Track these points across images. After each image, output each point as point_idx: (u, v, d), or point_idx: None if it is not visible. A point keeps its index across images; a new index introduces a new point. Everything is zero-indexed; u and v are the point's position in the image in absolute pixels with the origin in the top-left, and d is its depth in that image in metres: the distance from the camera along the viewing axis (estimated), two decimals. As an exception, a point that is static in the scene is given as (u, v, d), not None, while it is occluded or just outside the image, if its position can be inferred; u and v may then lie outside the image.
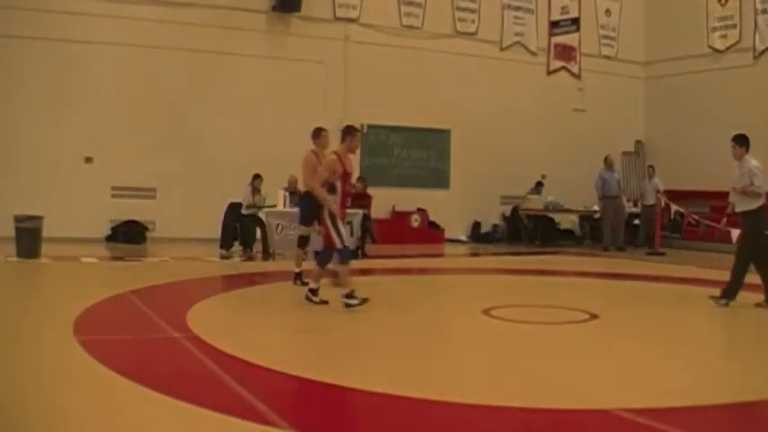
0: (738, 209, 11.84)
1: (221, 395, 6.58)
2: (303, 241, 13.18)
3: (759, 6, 23.76)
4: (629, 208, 24.66)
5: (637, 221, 24.65)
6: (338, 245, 10.70)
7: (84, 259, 16.52)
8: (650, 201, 23.05)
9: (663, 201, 21.59)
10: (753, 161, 11.81)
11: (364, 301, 10.49)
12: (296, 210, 18.00)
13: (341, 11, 22.74)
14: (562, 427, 6.23)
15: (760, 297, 11.69)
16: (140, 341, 8.76)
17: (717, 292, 11.88)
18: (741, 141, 11.99)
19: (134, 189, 20.32)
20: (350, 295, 10.53)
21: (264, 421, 5.84)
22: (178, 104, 20.74)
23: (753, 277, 11.55)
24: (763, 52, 23.81)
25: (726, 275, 11.99)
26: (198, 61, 20.81)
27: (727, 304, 11.63)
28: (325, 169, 11.03)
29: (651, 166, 24.02)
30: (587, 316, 10.93)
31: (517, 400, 6.66)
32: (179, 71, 20.72)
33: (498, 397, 6.78)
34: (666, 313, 11.82)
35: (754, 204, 11.68)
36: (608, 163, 22.85)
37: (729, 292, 11.70)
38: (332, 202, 10.86)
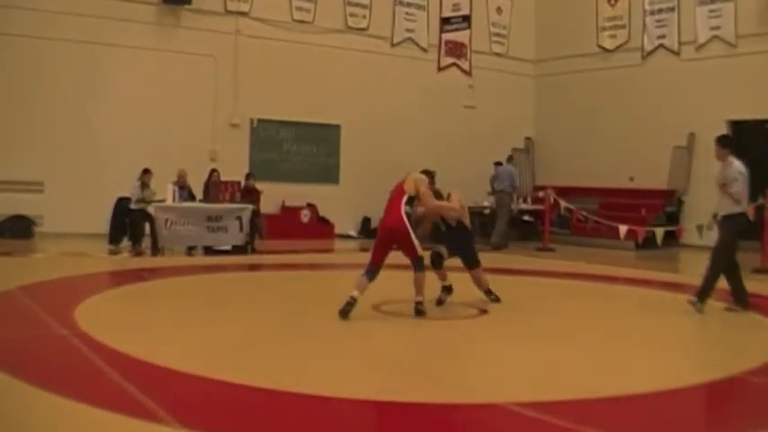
0: (721, 213, 11.39)
1: (110, 393, 6.60)
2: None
3: (648, 8, 24.43)
4: (520, 204, 25.07)
5: (527, 218, 25.04)
6: None
7: (-32, 255, 16.22)
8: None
9: (552, 197, 21.89)
10: (736, 163, 11.35)
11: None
12: (185, 204, 17.99)
13: (232, 4, 22.62)
14: (453, 420, 6.38)
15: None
16: (27, 338, 8.67)
17: (604, 286, 12.13)
18: (725, 142, 11.80)
19: (20, 183, 19.88)
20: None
21: (153, 418, 5.89)
22: (66, 97, 20.37)
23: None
24: (651, 52, 24.44)
25: (612, 270, 12.27)
26: (87, 53, 20.42)
27: (699, 306, 11.35)
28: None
29: (499, 163, 24.19)
30: (477, 311, 11.12)
31: (405, 396, 6.80)
32: (67, 62, 20.35)
33: (386, 393, 6.91)
34: (556, 308, 12.08)
35: (732, 209, 11.29)
36: (512, 159, 23.07)
37: (703, 294, 11.37)
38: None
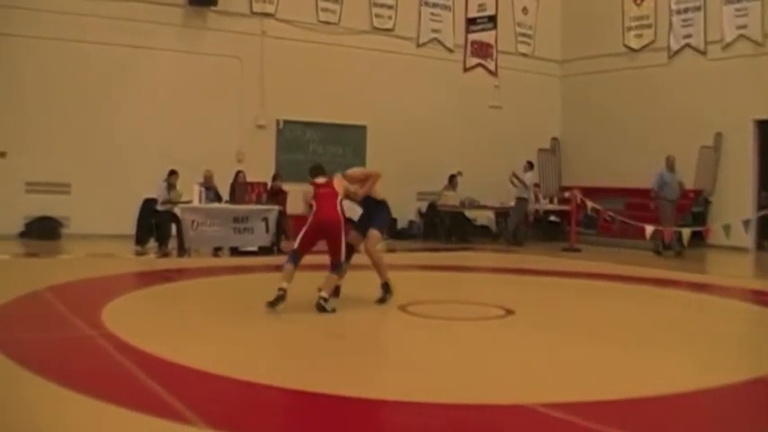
0: None
1: (136, 393, 6.62)
2: None
3: (674, 7, 24.29)
4: (546, 205, 24.99)
5: (553, 218, 25.01)
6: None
7: (-4, 256, 16.30)
8: (523, 194, 23.29)
9: (578, 197, 21.79)
10: None
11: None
12: (212, 206, 18.03)
13: (258, 6, 22.68)
14: (478, 422, 6.35)
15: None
16: (55, 339, 8.71)
17: (630, 287, 12.06)
18: None
19: (48, 184, 19.99)
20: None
21: (180, 419, 5.91)
22: (93, 99, 20.49)
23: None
24: (677, 52, 24.31)
25: (638, 271, 12.21)
26: (113, 55, 20.55)
27: None
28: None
29: (529, 162, 24.14)
30: (503, 312, 11.10)
31: (433, 396, 6.78)
32: (94, 65, 20.46)
33: (414, 393, 6.89)
34: (582, 309, 12.04)
35: None
36: (669, 163, 21.52)
37: None
38: None
